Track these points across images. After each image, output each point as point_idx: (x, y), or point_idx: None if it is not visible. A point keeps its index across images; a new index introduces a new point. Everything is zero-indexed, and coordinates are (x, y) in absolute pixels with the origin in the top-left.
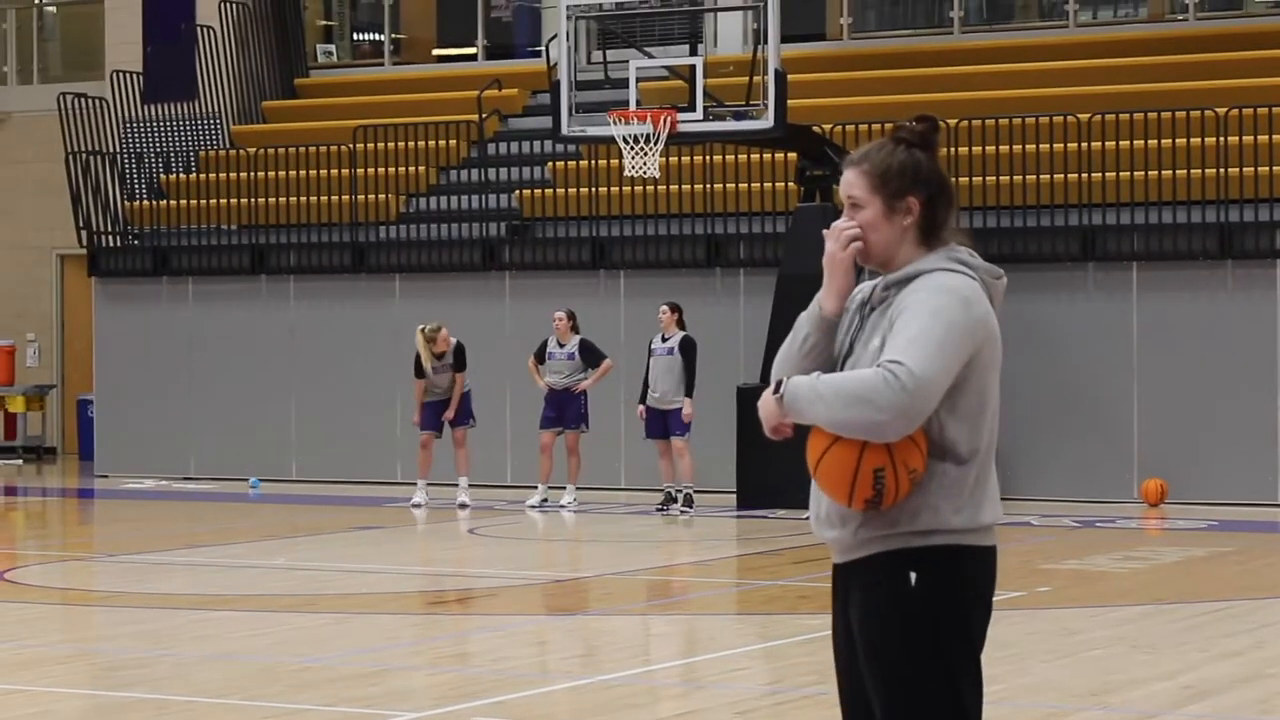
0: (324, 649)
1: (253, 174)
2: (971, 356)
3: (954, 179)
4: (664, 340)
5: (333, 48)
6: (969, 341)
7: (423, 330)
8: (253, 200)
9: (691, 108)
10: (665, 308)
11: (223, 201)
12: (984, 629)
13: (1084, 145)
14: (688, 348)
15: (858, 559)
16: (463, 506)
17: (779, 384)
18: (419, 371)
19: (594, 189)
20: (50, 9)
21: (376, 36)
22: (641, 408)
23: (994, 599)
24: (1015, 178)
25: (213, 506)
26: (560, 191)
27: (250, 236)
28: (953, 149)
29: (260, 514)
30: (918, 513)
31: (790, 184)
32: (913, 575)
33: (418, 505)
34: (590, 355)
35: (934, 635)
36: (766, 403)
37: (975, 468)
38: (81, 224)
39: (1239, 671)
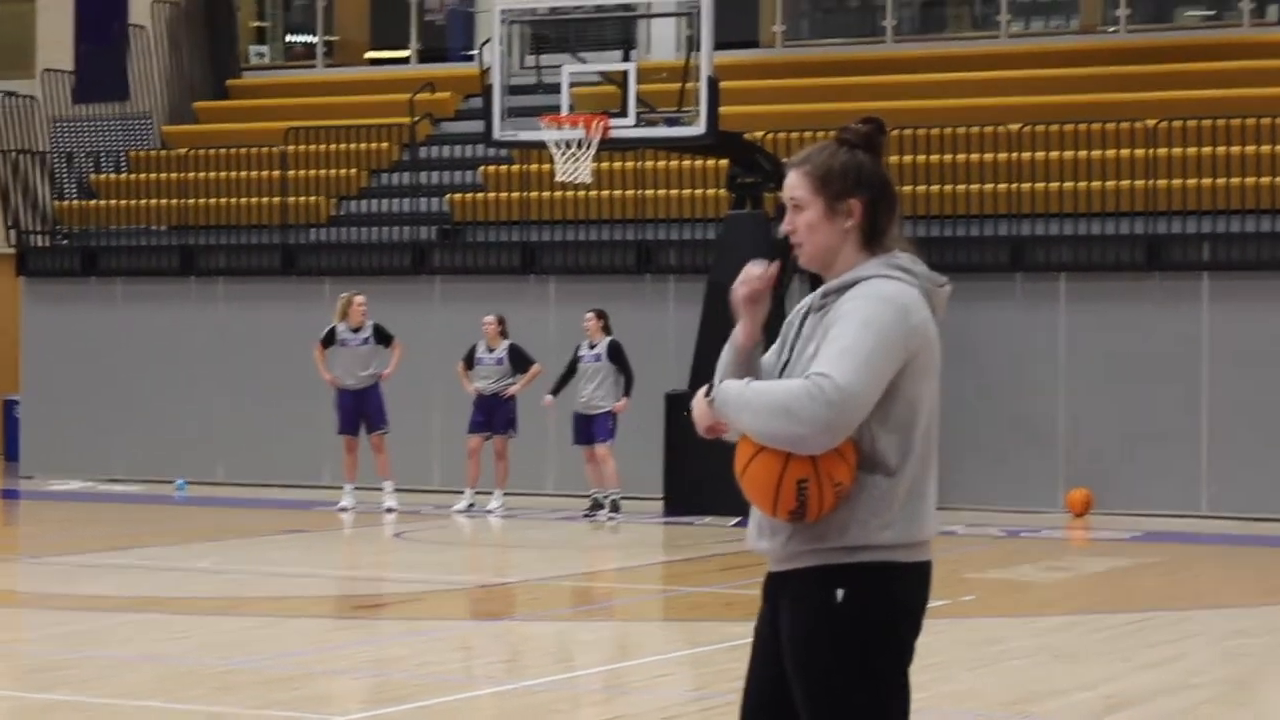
0: (249, 652)
1: (183, 175)
2: (905, 364)
3: None
4: (591, 347)
5: (265, 49)
6: (902, 350)
7: (342, 297)
8: (183, 201)
9: (624, 113)
10: (590, 314)
11: (153, 202)
12: (913, 644)
13: (1014, 156)
14: (616, 352)
15: (788, 571)
16: (389, 511)
17: (711, 387)
18: (326, 340)
19: (525, 194)
20: None
21: (309, 38)
22: (550, 397)
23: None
24: (945, 187)
25: (139, 508)
26: (491, 196)
27: (180, 237)
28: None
29: (186, 516)
30: (846, 527)
31: (721, 191)
32: (840, 592)
33: (345, 509)
34: (519, 360)
35: (861, 651)
36: (699, 404)
37: (906, 480)
38: (10, 223)
39: (1161, 682)
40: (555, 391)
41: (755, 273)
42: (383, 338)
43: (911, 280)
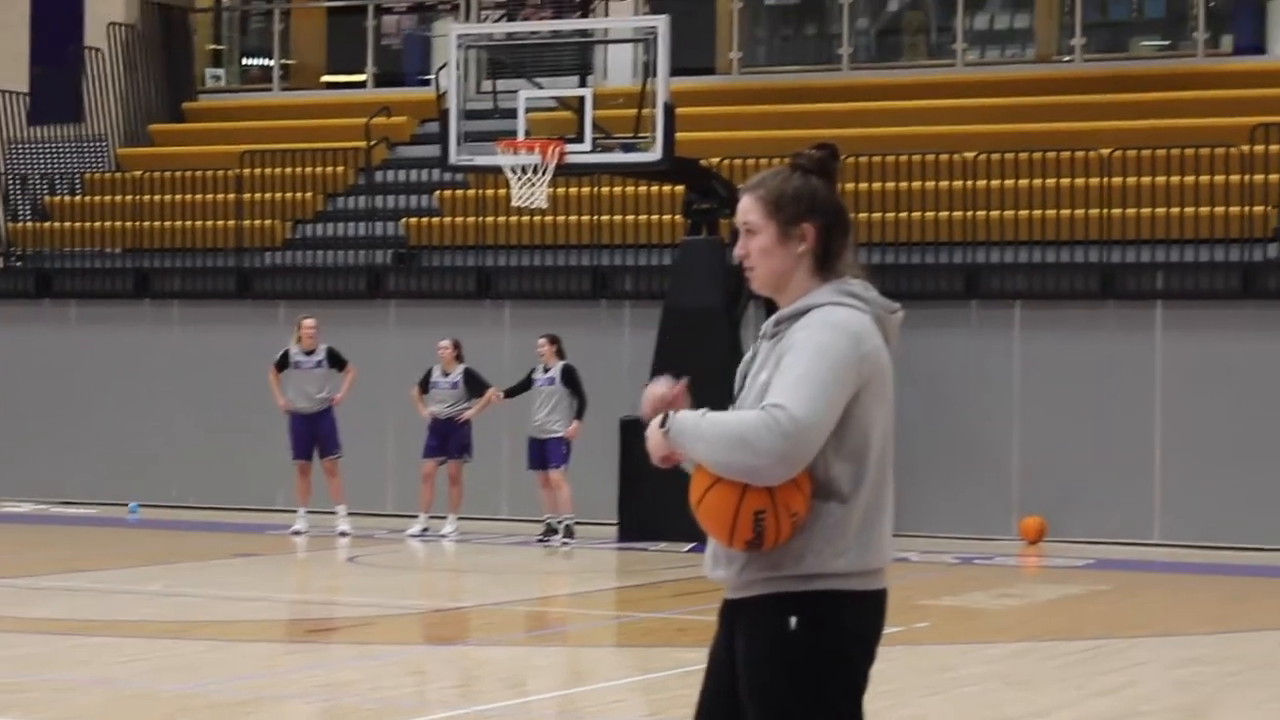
0: (201, 676)
1: (138, 197)
2: (858, 392)
3: None
4: (545, 371)
5: (221, 72)
6: (855, 378)
7: (298, 319)
8: (138, 224)
9: (580, 139)
10: (543, 340)
11: (107, 225)
12: (867, 672)
13: (969, 183)
14: (570, 377)
15: (743, 598)
16: (343, 535)
17: (666, 417)
18: (280, 363)
19: (481, 218)
20: None
21: (266, 62)
22: (502, 393)
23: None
24: (900, 214)
25: (92, 531)
26: (447, 220)
27: (135, 260)
28: (839, 184)
29: (139, 539)
30: (801, 556)
31: (677, 217)
32: (793, 620)
33: (298, 532)
34: (475, 385)
35: (815, 679)
36: (654, 434)
37: (860, 507)
38: None
39: (1113, 709)
40: (508, 394)
41: (658, 393)
42: (336, 361)
43: (864, 307)
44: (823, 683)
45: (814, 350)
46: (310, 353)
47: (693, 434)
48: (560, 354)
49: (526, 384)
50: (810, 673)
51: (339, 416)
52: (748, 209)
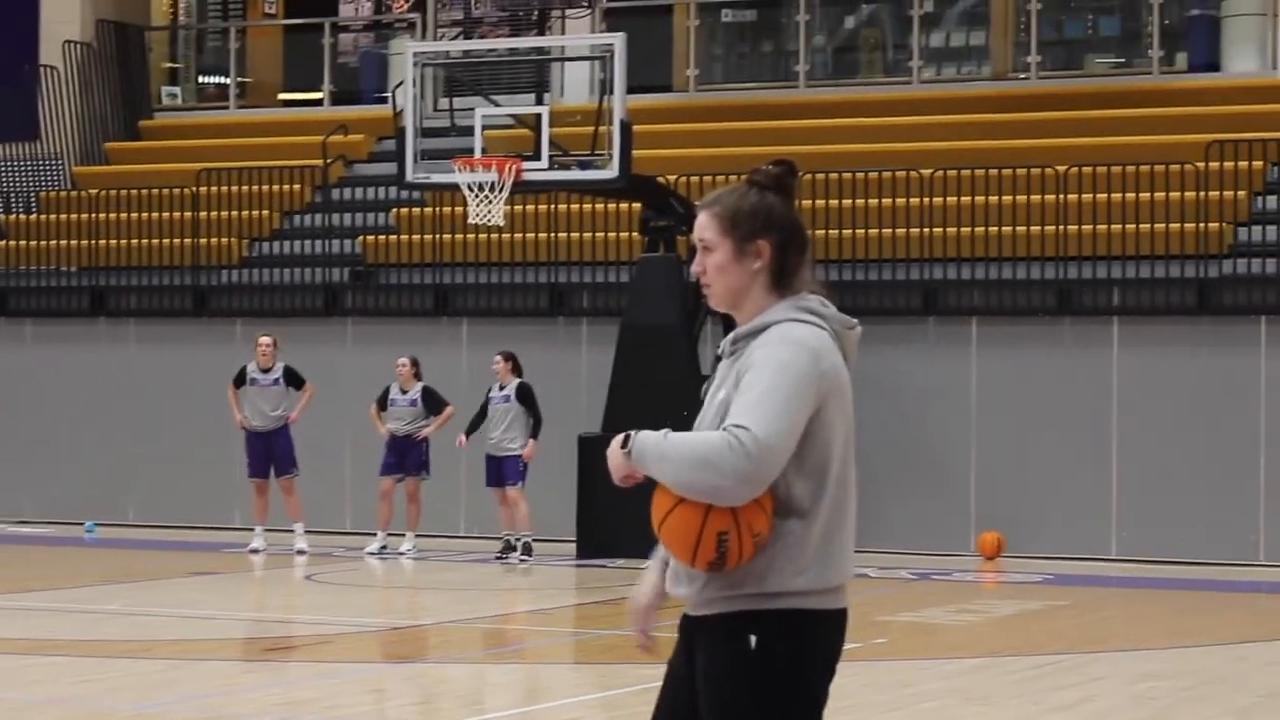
0: (158, 695)
1: (94, 215)
2: (818, 408)
3: None
4: (500, 389)
5: (178, 90)
6: (815, 395)
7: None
8: (94, 242)
9: (537, 156)
10: (499, 357)
11: (63, 243)
12: (826, 691)
13: (926, 200)
14: (525, 394)
15: (704, 616)
16: (300, 553)
17: (627, 437)
18: (238, 380)
19: (438, 236)
20: None
21: (222, 80)
22: (463, 437)
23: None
24: (858, 231)
25: (48, 550)
26: (404, 238)
27: (91, 278)
28: (796, 201)
29: (96, 558)
30: (763, 575)
31: (634, 234)
32: (753, 638)
33: (256, 551)
34: (432, 402)
35: (774, 697)
36: (615, 454)
37: (820, 524)
38: None
39: None
40: (468, 432)
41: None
42: (294, 380)
43: (821, 323)
44: (783, 701)
45: (774, 368)
46: (267, 370)
47: (655, 455)
48: (516, 371)
49: (483, 415)
50: (770, 691)
51: (296, 435)
52: (704, 226)
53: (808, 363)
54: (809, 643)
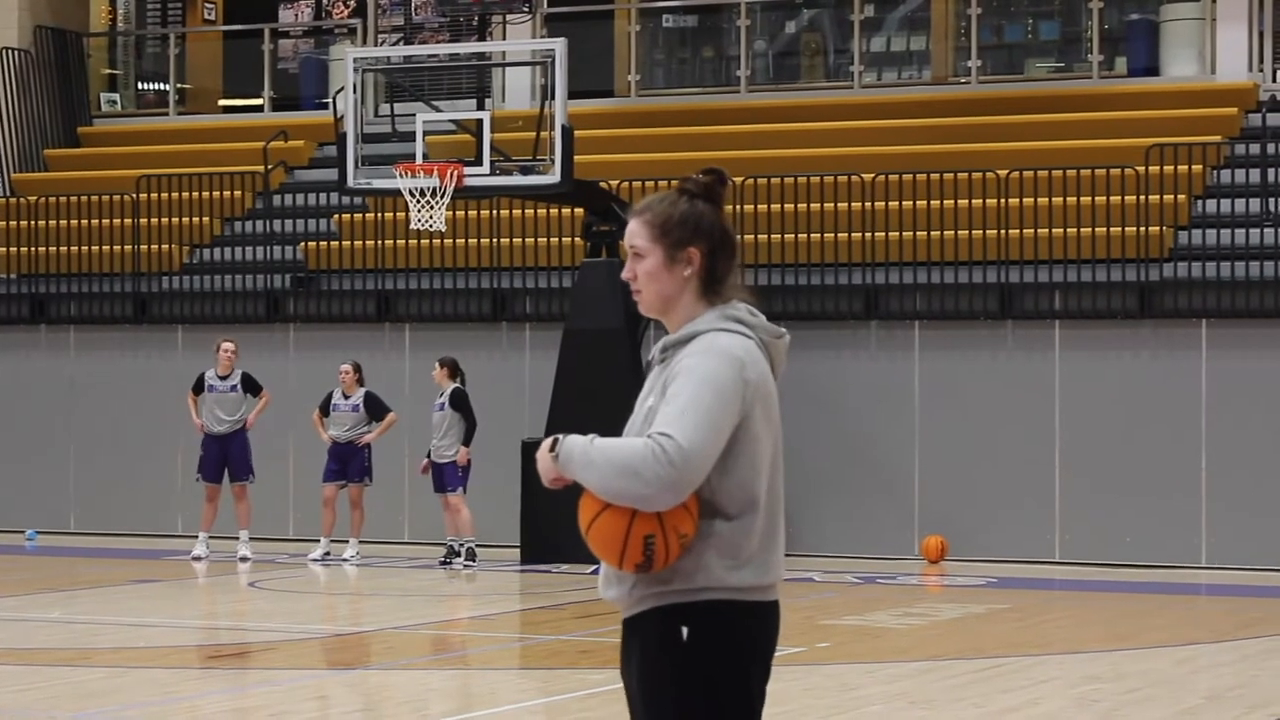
0: (98, 704)
1: (33, 222)
2: (743, 417)
3: (739, 236)
4: (439, 395)
5: (117, 96)
6: (740, 404)
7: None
8: (33, 249)
9: (478, 162)
10: (437, 364)
11: (1, 250)
12: (763, 686)
13: (867, 205)
14: (458, 400)
15: (635, 615)
16: (243, 560)
17: (555, 441)
18: (196, 386)
19: (380, 241)
20: None
21: (162, 86)
22: (425, 462)
23: (774, 654)
24: (800, 236)
25: None
26: (346, 244)
27: (30, 286)
28: (738, 206)
29: (37, 566)
30: (691, 573)
31: (577, 239)
32: (684, 630)
33: (198, 558)
34: (375, 408)
35: (705, 687)
36: (543, 457)
37: (749, 524)
38: None
39: None
40: (430, 453)
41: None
42: (251, 387)
43: (748, 333)
44: (714, 691)
45: (699, 378)
46: (225, 377)
47: (581, 460)
48: (454, 375)
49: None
50: (701, 680)
51: (250, 442)
52: (635, 233)
53: (733, 372)
54: (741, 632)
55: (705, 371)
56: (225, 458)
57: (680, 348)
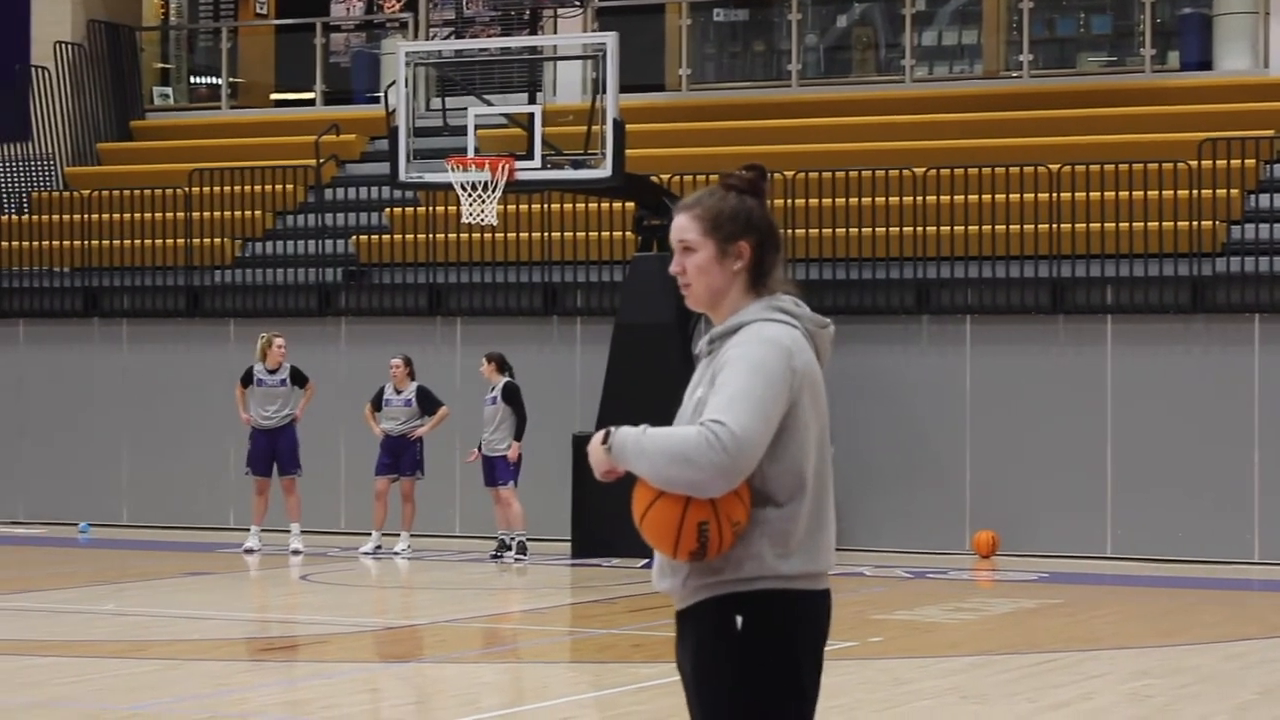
0: (152, 696)
1: (86, 216)
2: (792, 404)
3: (790, 231)
4: (490, 390)
5: (169, 90)
6: (788, 391)
7: (262, 336)
8: (86, 242)
9: (530, 156)
10: (484, 359)
11: (55, 243)
12: (816, 677)
13: (919, 199)
14: (510, 395)
15: (689, 606)
16: (295, 553)
17: (608, 433)
18: (245, 379)
19: (431, 235)
20: None
21: (214, 80)
22: (472, 451)
23: (826, 647)
24: (851, 230)
25: (41, 551)
26: (397, 238)
27: (83, 279)
28: (789, 200)
29: (90, 559)
30: (741, 561)
31: (628, 233)
32: (739, 619)
33: (251, 551)
34: (427, 402)
35: (760, 679)
36: (595, 449)
37: (800, 513)
38: None
39: None
40: (481, 446)
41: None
42: (299, 379)
43: (794, 322)
44: (769, 679)
45: (748, 366)
46: (274, 371)
47: (635, 450)
48: (502, 370)
49: None
50: (754, 669)
51: (300, 435)
52: (685, 227)
53: (781, 360)
54: (793, 621)
55: (754, 360)
56: (274, 451)
57: (727, 339)
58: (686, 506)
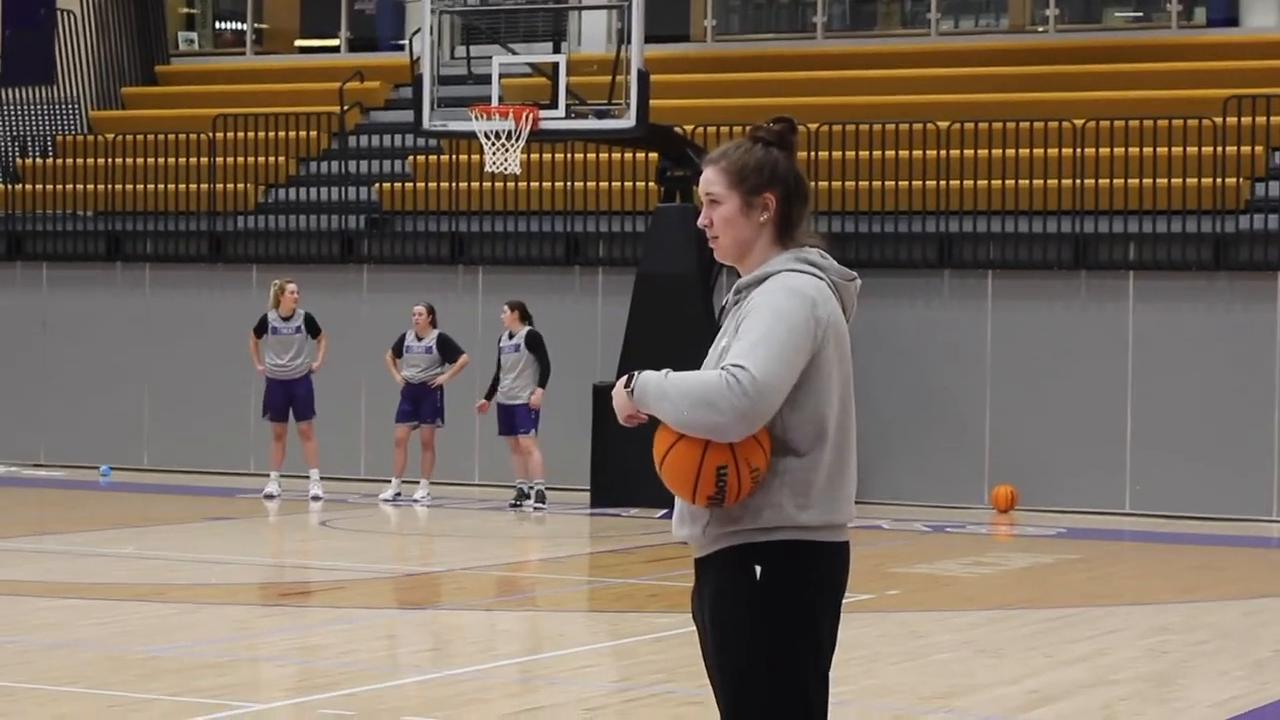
0: (172, 639)
1: (110, 160)
2: (815, 355)
3: (813, 183)
4: (510, 338)
5: (194, 35)
6: (810, 341)
7: (275, 283)
8: (110, 187)
9: (554, 105)
10: (506, 307)
11: (79, 187)
12: (834, 628)
13: (942, 153)
14: (534, 342)
15: (709, 554)
16: (315, 499)
17: (630, 377)
18: (259, 328)
19: (454, 184)
20: None
21: (239, 25)
22: (483, 402)
23: (844, 600)
24: (874, 183)
25: (63, 494)
26: (420, 186)
27: (106, 223)
28: (813, 153)
29: (111, 502)
30: (760, 510)
31: (651, 184)
32: (758, 569)
33: (270, 496)
34: (448, 350)
35: (777, 628)
36: (619, 394)
37: (821, 463)
38: None
39: (1083, 677)
40: (488, 395)
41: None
42: (313, 328)
43: (819, 274)
44: (787, 628)
45: (772, 314)
46: (288, 318)
47: (656, 393)
48: (524, 319)
49: (497, 380)
50: (775, 618)
51: (313, 382)
52: (712, 180)
53: (805, 309)
54: (812, 571)
55: (777, 307)
56: (290, 398)
57: (753, 288)
58: (705, 450)
